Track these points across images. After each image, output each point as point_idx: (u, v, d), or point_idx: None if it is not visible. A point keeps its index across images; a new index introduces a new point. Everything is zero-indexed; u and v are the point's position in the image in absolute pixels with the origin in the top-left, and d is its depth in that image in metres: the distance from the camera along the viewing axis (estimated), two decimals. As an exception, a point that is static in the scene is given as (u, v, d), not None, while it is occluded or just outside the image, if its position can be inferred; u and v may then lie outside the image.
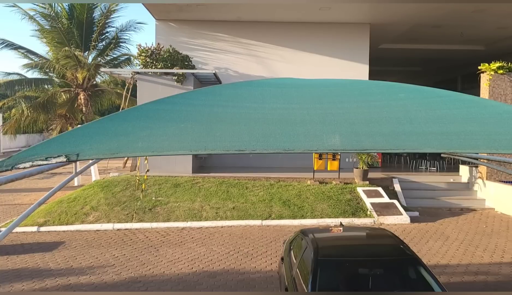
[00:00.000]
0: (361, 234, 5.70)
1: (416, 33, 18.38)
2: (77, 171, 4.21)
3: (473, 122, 3.15)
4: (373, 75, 28.75)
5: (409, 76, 33.10)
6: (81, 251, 9.01)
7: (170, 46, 14.65)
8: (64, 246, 9.44)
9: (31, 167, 2.76)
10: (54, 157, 2.75)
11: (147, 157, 8.98)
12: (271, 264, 8.05)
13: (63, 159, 2.78)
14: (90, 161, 4.44)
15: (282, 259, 5.83)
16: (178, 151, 3.23)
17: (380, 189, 12.65)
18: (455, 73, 27.60)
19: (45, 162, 2.77)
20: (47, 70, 17.39)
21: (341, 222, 5.99)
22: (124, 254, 8.78)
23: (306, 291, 4.16)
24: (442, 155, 7.93)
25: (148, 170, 10.42)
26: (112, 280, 7.36)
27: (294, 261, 5.05)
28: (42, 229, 10.78)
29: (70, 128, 19.54)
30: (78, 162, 4.21)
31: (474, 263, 8.04)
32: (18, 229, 10.83)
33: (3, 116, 37.74)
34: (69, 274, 7.65)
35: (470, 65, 14.83)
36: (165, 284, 7.19)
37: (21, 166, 2.73)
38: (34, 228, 10.81)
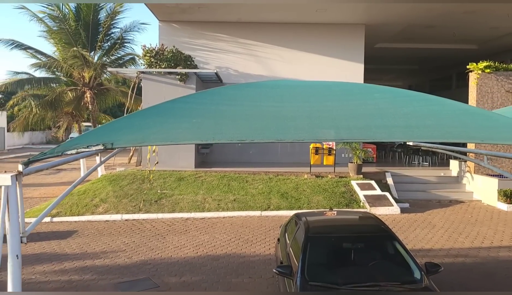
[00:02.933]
0: (347, 217, 6.40)
1: (411, 33, 19.02)
2: (102, 160, 4.90)
3: (432, 117, 3.85)
4: (370, 73, 29.59)
5: (406, 74, 33.78)
6: (94, 239, 9.72)
7: (174, 46, 15.31)
8: (77, 234, 10.16)
9: (76, 153, 3.48)
10: (93, 146, 3.46)
11: (156, 151, 9.66)
12: (269, 249, 8.75)
13: (100, 147, 3.48)
14: (114, 151, 5.13)
15: (278, 240, 6.55)
16: (191, 141, 3.96)
17: (373, 182, 13.34)
18: (450, 71, 28.23)
19: (86, 150, 3.49)
20: (55, 70, 18.06)
21: (331, 207, 6.70)
22: (134, 241, 9.50)
23: (296, 264, 4.86)
24: (422, 147, 8.58)
25: (157, 162, 11.12)
26: (125, 263, 8.08)
27: (288, 239, 5.77)
28: (55, 219, 11.50)
29: (76, 125, 20.26)
30: (95, 154, 4.91)
31: (455, 248, 8.76)
32: (32, 219, 11.53)
33: (7, 114, 38.53)
34: (84, 258, 8.36)
35: (464, 63, 15.50)
36: (173, 266, 7.90)
37: (69, 152, 3.45)
38: (48, 219, 11.50)
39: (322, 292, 4.41)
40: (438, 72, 29.92)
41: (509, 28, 17.79)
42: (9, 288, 3.35)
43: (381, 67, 29.06)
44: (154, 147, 10.58)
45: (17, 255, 3.33)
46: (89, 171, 4.55)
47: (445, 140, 3.68)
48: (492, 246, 8.93)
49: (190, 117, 3.99)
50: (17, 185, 3.36)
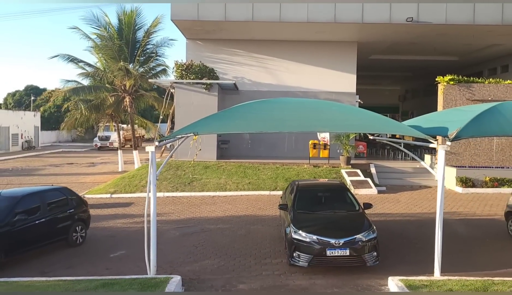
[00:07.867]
0: (323, 181, 9.95)
1: (397, 48, 22.40)
2: (176, 146, 8.52)
3: (359, 120, 7.39)
4: (369, 79, 33.14)
5: (402, 80, 37.09)
6: (148, 207, 13.38)
7: (200, 61, 18.94)
8: (134, 204, 13.84)
9: (180, 137, 7.12)
10: (188, 134, 7.07)
11: (194, 141, 13.25)
12: (275, 213, 12.29)
13: (191, 134, 7.09)
14: (175, 147, 8.74)
15: (281, 197, 10.20)
16: (236, 131, 7.60)
17: (358, 171, 16.84)
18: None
19: (184, 135, 7.11)
20: (98, 78, 21.84)
21: (314, 177, 10.30)
22: (178, 208, 13.16)
23: (291, 203, 8.40)
24: (377, 140, 12.04)
25: (200, 149, 14.69)
26: (176, 219, 11.74)
27: (287, 194, 9.41)
28: (114, 196, 15.21)
29: (113, 124, 24.02)
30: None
31: (407, 212, 12.28)
32: (96, 196, 15.29)
33: (41, 115, 42.78)
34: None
35: (450, 71, 18.64)
36: (209, 220, 11.52)
37: (177, 137, 7.09)
38: (108, 195, 15.25)
39: None
40: (428, 79, 33.08)
41: (479, 45, 21.17)
42: (151, 200, 6.98)
43: (378, 74, 32.49)
44: (195, 137, 14.10)
45: (155, 184, 6.96)
46: (171, 152, 8.18)
47: (365, 131, 7.26)
48: (434, 212, 12.38)
49: (234, 119, 7.60)
50: (155, 151, 6.95)
